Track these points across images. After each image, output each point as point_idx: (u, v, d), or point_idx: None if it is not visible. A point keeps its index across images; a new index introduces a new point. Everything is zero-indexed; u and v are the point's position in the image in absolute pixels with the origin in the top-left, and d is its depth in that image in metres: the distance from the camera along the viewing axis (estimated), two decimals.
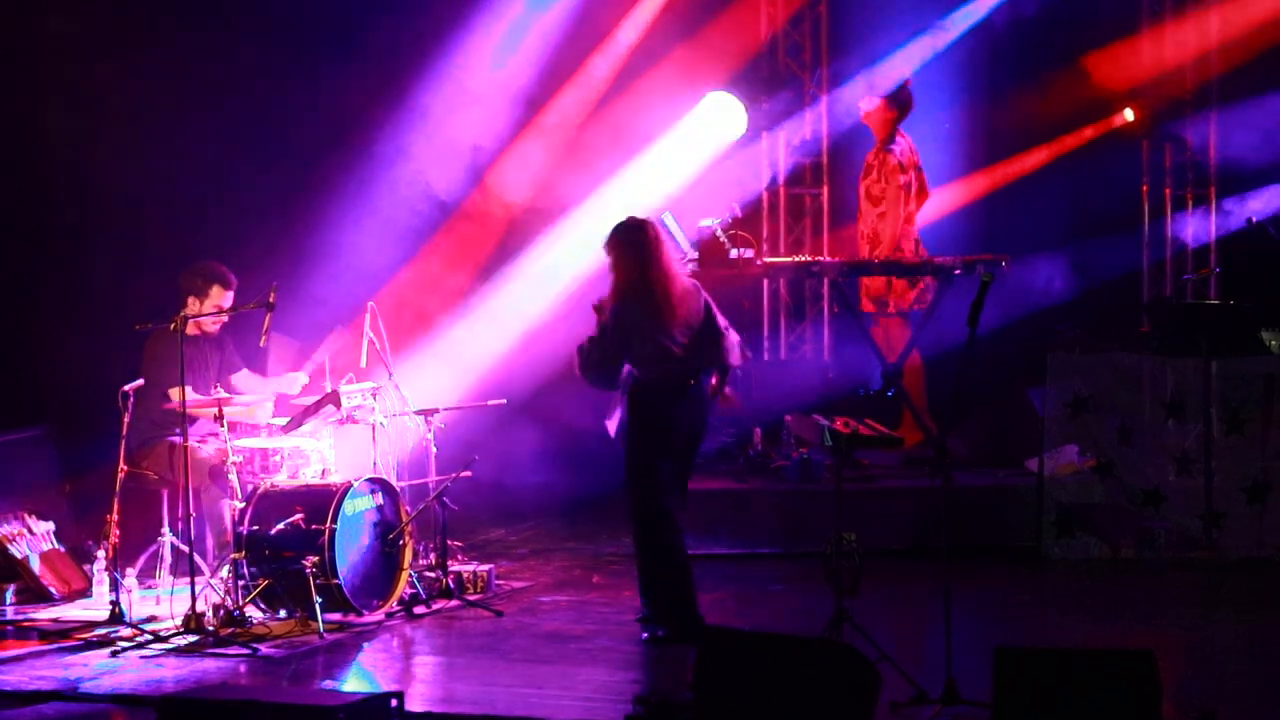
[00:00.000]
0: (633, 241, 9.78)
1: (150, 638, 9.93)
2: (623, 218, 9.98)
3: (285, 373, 11.49)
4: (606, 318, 9.70)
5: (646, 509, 9.72)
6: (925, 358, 13.38)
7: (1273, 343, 12.00)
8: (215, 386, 10.92)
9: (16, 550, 11.30)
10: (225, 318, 11.29)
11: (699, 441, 9.97)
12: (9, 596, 11.17)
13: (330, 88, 13.59)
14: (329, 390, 10.82)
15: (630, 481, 9.78)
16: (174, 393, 10.80)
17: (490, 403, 11.96)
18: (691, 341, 9.76)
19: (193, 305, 11.15)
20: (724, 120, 14.74)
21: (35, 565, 11.31)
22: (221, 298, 11.19)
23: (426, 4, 13.94)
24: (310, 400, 10.91)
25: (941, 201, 14.50)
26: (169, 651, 9.70)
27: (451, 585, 10.85)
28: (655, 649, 9.66)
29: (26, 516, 11.50)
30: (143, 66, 13.10)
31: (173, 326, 10.44)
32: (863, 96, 13.96)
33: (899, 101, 13.70)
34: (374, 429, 10.98)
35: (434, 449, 11.17)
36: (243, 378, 11.39)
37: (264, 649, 9.68)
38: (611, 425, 9.86)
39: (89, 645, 9.92)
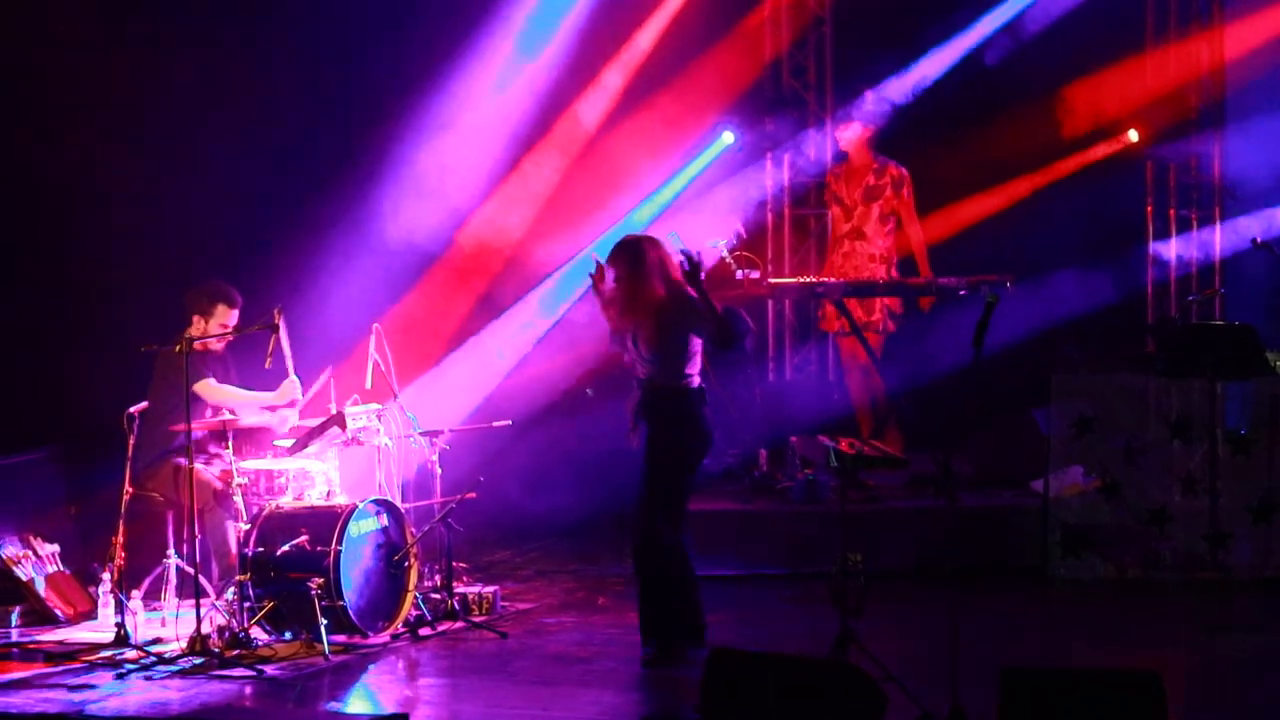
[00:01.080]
0: (653, 254, 9.85)
1: (156, 660, 9.93)
2: (624, 236, 10.08)
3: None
4: (695, 299, 9.69)
5: (667, 528, 9.78)
6: (931, 378, 13.38)
7: (1278, 363, 11.98)
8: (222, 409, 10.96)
9: (22, 572, 11.31)
10: (230, 336, 11.31)
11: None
12: (14, 619, 11.18)
13: (339, 110, 13.62)
14: (334, 412, 10.82)
15: (659, 497, 9.78)
16: (198, 388, 10.82)
17: (495, 424, 11.96)
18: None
19: (198, 324, 11.18)
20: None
21: (41, 587, 11.31)
22: (227, 317, 11.22)
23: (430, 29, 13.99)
24: (314, 423, 10.92)
25: (946, 222, 14.51)
26: (174, 674, 9.71)
27: (456, 607, 10.86)
28: (663, 670, 9.66)
29: (32, 539, 11.51)
30: (157, 89, 13.17)
31: (178, 348, 10.47)
32: (839, 127, 14.01)
33: (872, 119, 13.79)
34: (379, 450, 10.99)
35: (439, 470, 11.18)
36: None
37: (269, 671, 9.69)
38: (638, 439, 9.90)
39: (94, 668, 9.93)
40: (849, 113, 14.10)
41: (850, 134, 13.76)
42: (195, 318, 11.23)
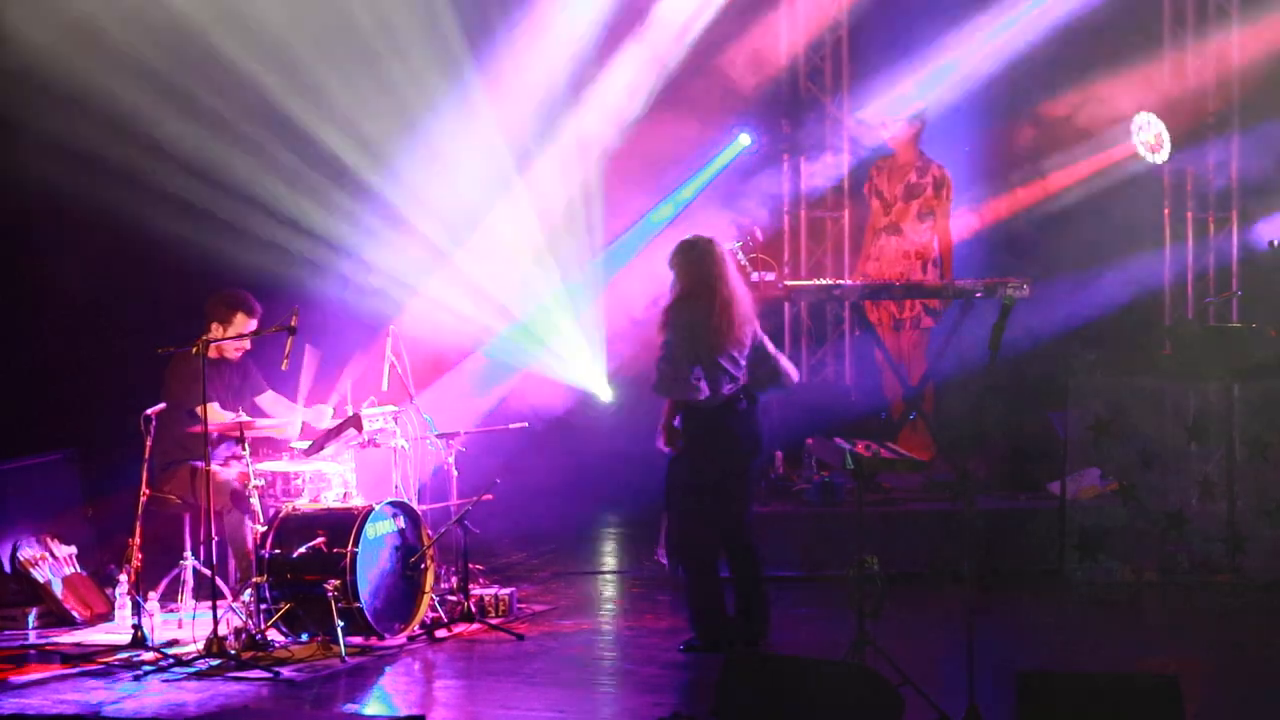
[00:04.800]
0: (700, 259, 9.92)
1: (172, 661, 9.94)
2: (688, 236, 10.21)
3: (314, 387, 11.43)
4: (669, 333, 9.80)
5: (686, 527, 9.82)
6: (947, 380, 13.38)
7: None
8: (238, 410, 10.97)
9: (39, 574, 11.32)
10: (248, 344, 11.32)
11: (753, 459, 10.05)
12: (31, 620, 11.19)
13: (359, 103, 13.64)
14: (350, 413, 10.83)
15: (671, 497, 9.86)
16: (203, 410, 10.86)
17: (512, 426, 11.97)
18: (746, 363, 9.93)
19: (216, 331, 11.18)
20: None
21: (58, 589, 11.32)
22: (245, 325, 11.22)
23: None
24: (332, 424, 10.94)
25: (963, 225, 14.50)
26: (191, 675, 9.71)
27: (473, 609, 10.86)
28: (679, 672, 9.67)
29: (49, 540, 11.52)
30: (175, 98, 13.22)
31: (195, 350, 10.48)
32: (884, 122, 14.00)
33: (919, 117, 13.80)
34: (395, 452, 11.00)
35: (455, 472, 11.19)
36: (269, 399, 11.41)
37: (286, 673, 9.69)
38: (662, 441, 9.95)
39: (111, 669, 9.94)
40: (897, 109, 14.09)
41: (897, 130, 13.78)
42: (214, 325, 11.23)
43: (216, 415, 10.90)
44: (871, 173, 14.12)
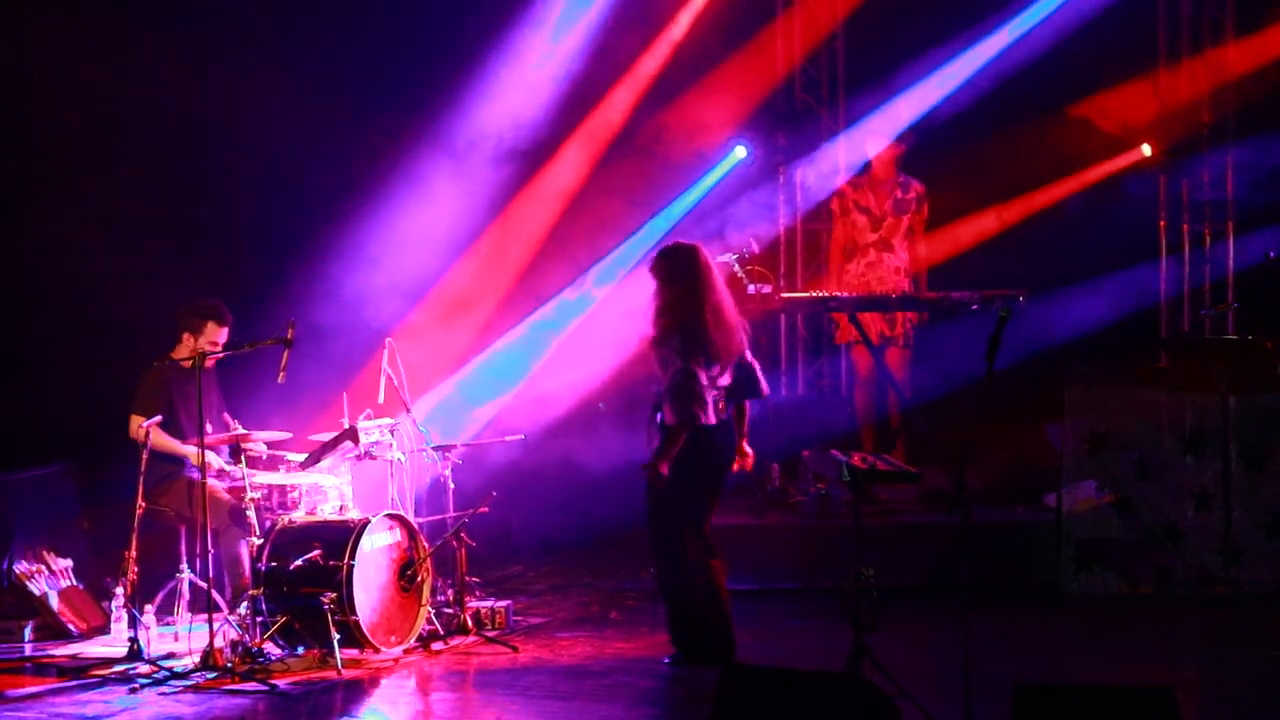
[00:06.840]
0: (684, 265, 9.86)
1: (168, 674, 9.93)
2: (670, 243, 10.11)
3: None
4: (677, 356, 9.67)
5: (673, 540, 9.76)
6: (942, 393, 13.39)
7: None
8: (234, 423, 10.96)
9: (35, 587, 11.32)
10: (222, 354, 11.25)
11: (727, 470, 10.01)
12: (28, 633, 11.19)
13: (356, 117, 13.65)
14: (346, 426, 10.83)
15: (656, 512, 9.80)
16: (134, 423, 10.84)
17: (508, 438, 11.96)
18: (733, 372, 9.84)
19: (188, 342, 11.15)
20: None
21: (54, 602, 11.32)
22: (216, 334, 11.18)
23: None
24: (326, 437, 10.93)
25: (959, 237, 14.51)
26: (187, 688, 9.70)
27: (469, 621, 10.86)
28: (675, 685, 9.66)
29: (45, 553, 11.52)
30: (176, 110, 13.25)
31: (190, 362, 10.48)
32: (869, 142, 14.04)
33: (904, 138, 13.85)
34: (392, 465, 10.99)
35: (451, 484, 11.19)
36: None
37: (282, 685, 9.69)
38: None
39: (107, 682, 9.93)
40: (883, 128, 14.13)
41: (882, 149, 13.81)
42: (185, 335, 11.20)
43: (151, 435, 10.84)
44: (846, 189, 14.13)
